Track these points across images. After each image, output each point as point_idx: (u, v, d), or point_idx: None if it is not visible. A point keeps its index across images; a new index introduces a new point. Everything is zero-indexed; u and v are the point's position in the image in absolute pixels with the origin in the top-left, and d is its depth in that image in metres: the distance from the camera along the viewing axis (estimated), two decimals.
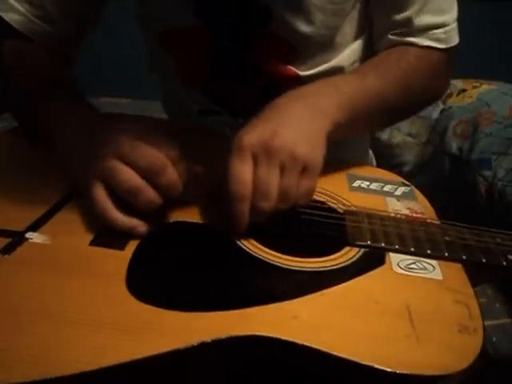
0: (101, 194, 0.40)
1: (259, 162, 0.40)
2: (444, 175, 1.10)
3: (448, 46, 0.55)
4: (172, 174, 0.40)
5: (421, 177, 1.15)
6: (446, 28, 0.54)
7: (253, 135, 0.41)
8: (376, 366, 0.31)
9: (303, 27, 0.53)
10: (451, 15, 0.54)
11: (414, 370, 0.31)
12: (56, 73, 0.54)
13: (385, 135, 1.18)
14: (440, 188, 1.10)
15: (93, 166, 0.40)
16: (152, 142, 0.40)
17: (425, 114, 1.16)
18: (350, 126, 0.48)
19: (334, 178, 0.54)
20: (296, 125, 0.42)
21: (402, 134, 1.19)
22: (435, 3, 0.53)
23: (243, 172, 0.40)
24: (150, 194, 0.39)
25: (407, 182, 0.56)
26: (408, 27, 0.54)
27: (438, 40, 0.54)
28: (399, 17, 0.54)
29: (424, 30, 0.54)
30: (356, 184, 0.53)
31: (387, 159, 1.18)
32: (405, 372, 0.31)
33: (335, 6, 0.52)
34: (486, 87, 1.14)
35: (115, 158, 0.39)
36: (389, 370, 0.31)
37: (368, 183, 0.54)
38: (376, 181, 0.55)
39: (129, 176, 0.39)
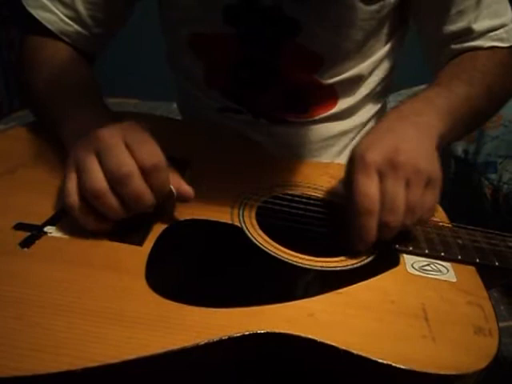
0: (71, 188, 0.39)
1: (385, 176, 0.40)
2: (449, 178, 1.11)
3: (511, 44, 0.56)
4: (135, 186, 0.38)
5: None
6: (506, 28, 0.56)
7: (376, 152, 0.41)
8: (394, 365, 0.32)
9: (330, 40, 0.54)
10: (508, 16, 0.56)
11: (431, 369, 0.32)
12: (76, 73, 0.54)
13: None
14: (445, 190, 1.10)
15: (74, 159, 0.40)
16: (132, 145, 0.39)
17: None
18: (449, 136, 0.49)
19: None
20: (412, 141, 0.43)
21: None
22: (491, 9, 0.55)
23: (370, 187, 0.40)
24: (110, 201, 0.38)
25: None
26: (469, 34, 0.55)
27: (500, 40, 0.56)
28: (455, 27, 0.55)
29: (485, 33, 0.55)
30: None
31: None
32: (422, 371, 0.32)
33: (363, 23, 0.54)
34: None
35: (91, 153, 0.39)
36: (405, 367, 0.32)
37: None
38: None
39: (94, 178, 0.38)
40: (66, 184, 0.39)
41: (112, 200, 0.38)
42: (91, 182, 0.38)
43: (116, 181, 0.38)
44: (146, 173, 0.38)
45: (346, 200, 0.42)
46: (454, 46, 0.56)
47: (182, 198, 0.42)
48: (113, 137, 0.39)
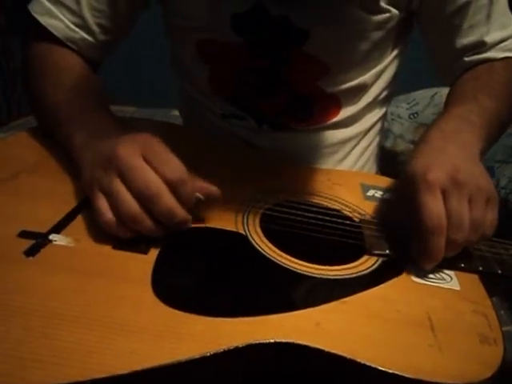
0: (104, 207, 0.39)
1: (449, 195, 0.40)
2: None
3: None
4: (166, 203, 0.39)
5: None
6: None
7: (437, 171, 0.41)
8: (400, 374, 0.32)
9: (337, 49, 0.55)
10: None
11: (437, 379, 0.32)
12: (83, 80, 0.54)
13: (388, 143, 1.19)
14: None
15: (96, 179, 0.40)
16: (153, 162, 0.39)
17: (428, 122, 1.17)
18: (485, 150, 0.50)
19: (349, 187, 0.55)
20: (466, 161, 0.43)
21: (405, 142, 1.20)
22: (499, 21, 0.56)
23: (437, 206, 0.40)
24: (147, 223, 0.39)
25: None
26: (481, 47, 0.57)
27: (511, 50, 0.57)
28: (467, 41, 0.57)
29: (496, 45, 0.57)
30: (370, 193, 0.54)
31: (391, 166, 1.18)
32: (429, 380, 0.32)
33: (370, 33, 0.55)
34: None
35: (114, 175, 0.39)
36: (411, 376, 0.32)
37: (382, 193, 0.54)
38: (389, 191, 0.55)
39: (126, 203, 0.38)
40: (97, 203, 0.40)
41: (148, 222, 0.39)
42: (125, 207, 0.38)
43: (147, 201, 0.39)
44: (172, 187, 0.39)
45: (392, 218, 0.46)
46: (467, 59, 0.57)
47: (212, 200, 0.43)
48: (132, 156, 0.39)
